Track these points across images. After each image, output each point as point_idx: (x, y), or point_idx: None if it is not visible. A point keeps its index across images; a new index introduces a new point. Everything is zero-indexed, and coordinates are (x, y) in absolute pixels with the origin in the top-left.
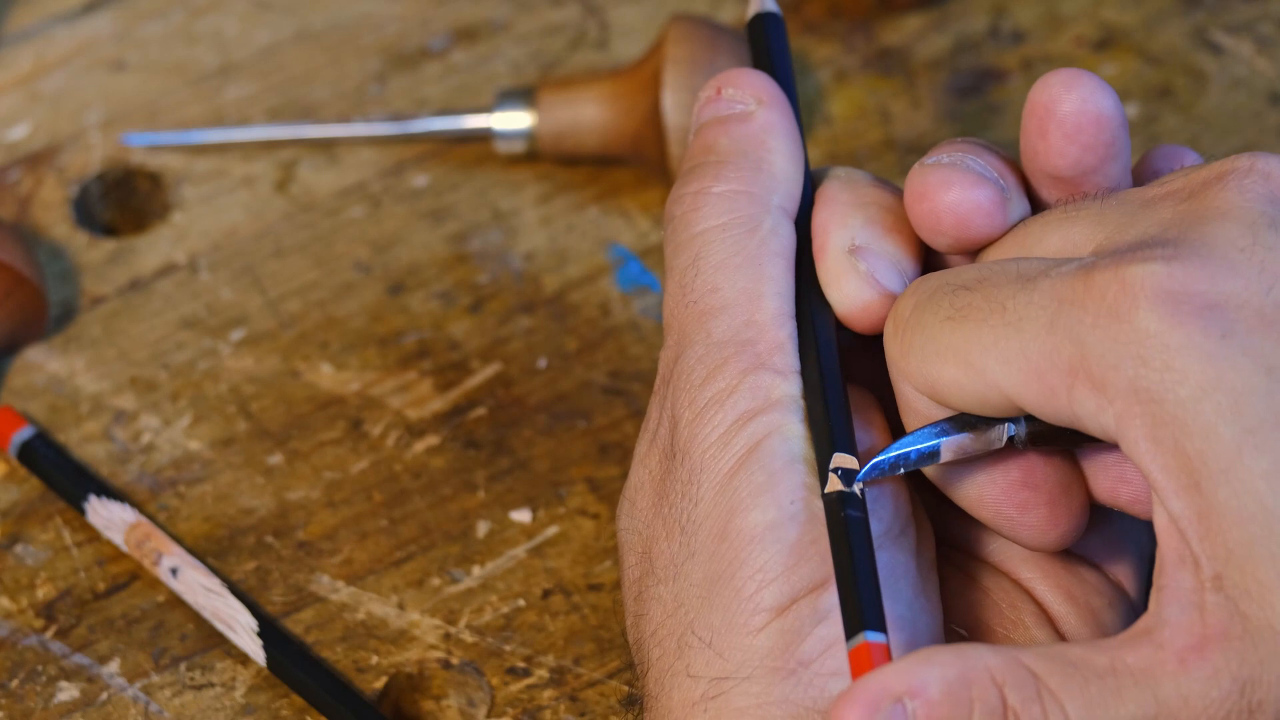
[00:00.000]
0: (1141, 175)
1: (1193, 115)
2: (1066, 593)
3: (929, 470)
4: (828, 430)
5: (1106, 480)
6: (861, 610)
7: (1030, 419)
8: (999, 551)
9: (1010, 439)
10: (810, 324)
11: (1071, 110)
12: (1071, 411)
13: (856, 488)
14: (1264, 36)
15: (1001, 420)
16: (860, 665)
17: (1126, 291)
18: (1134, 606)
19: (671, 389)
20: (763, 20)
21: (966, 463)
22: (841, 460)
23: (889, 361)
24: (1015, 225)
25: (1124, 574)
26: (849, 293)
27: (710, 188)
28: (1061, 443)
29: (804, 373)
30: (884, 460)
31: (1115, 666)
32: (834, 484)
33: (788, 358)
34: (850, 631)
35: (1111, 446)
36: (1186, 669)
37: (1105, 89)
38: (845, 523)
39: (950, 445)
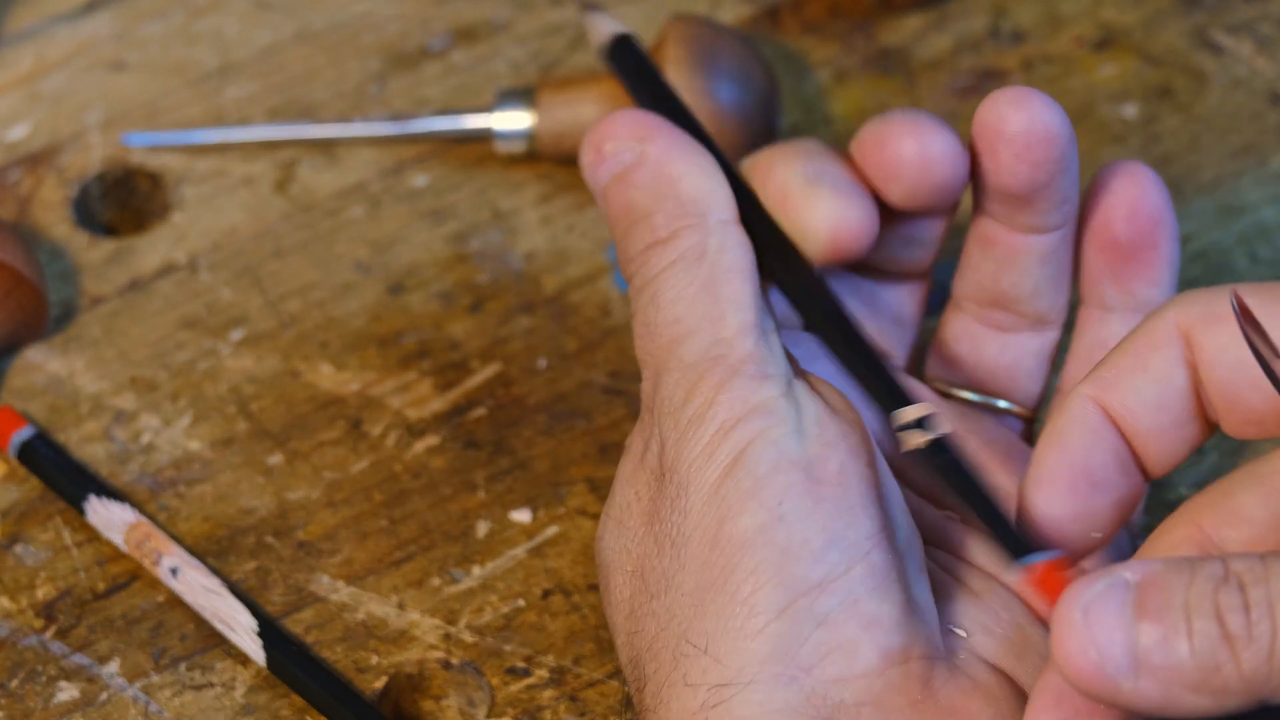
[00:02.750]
0: (1095, 194)
1: (1193, 115)
2: None
3: None
4: (880, 389)
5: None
6: (1019, 536)
7: None
8: (984, 555)
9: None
10: (807, 291)
11: (1020, 129)
12: None
13: (942, 429)
14: (1264, 36)
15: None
16: (1051, 585)
17: None
18: None
19: (655, 416)
20: (618, 44)
21: None
22: (910, 412)
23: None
24: None
25: None
26: (824, 214)
27: (651, 242)
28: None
29: (825, 336)
30: None
31: None
32: (916, 438)
33: (761, 363)
34: (1019, 555)
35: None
36: None
37: (1052, 106)
38: (956, 464)
39: None
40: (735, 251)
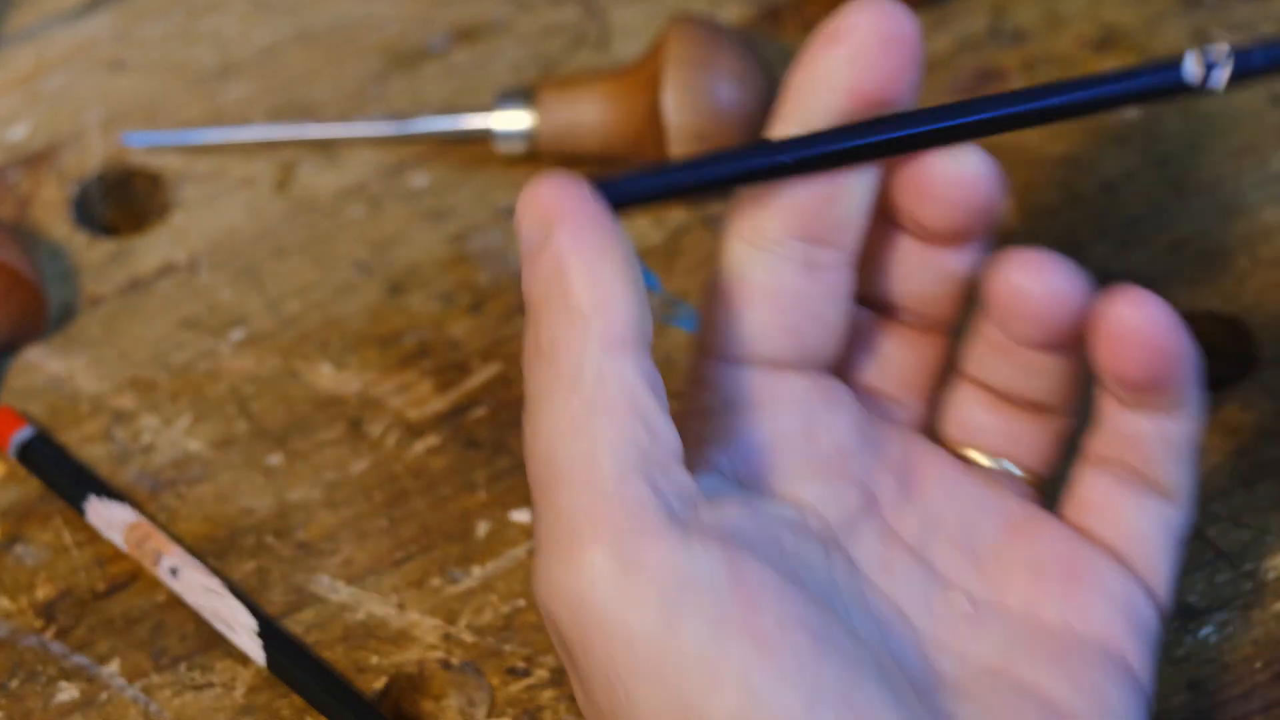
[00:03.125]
0: (1103, 324)
1: (1193, 115)
2: (1071, 678)
3: None
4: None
5: None
6: None
7: None
8: (946, 636)
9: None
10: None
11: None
12: None
13: (1221, 47)
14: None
15: None
16: None
17: None
18: (1139, 684)
19: (536, 561)
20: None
21: None
22: (1198, 54)
23: None
24: None
25: (1130, 653)
26: None
27: (534, 350)
28: None
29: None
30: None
31: None
32: (1223, 69)
33: (647, 516)
34: None
35: None
36: None
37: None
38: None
39: None
40: (617, 384)
